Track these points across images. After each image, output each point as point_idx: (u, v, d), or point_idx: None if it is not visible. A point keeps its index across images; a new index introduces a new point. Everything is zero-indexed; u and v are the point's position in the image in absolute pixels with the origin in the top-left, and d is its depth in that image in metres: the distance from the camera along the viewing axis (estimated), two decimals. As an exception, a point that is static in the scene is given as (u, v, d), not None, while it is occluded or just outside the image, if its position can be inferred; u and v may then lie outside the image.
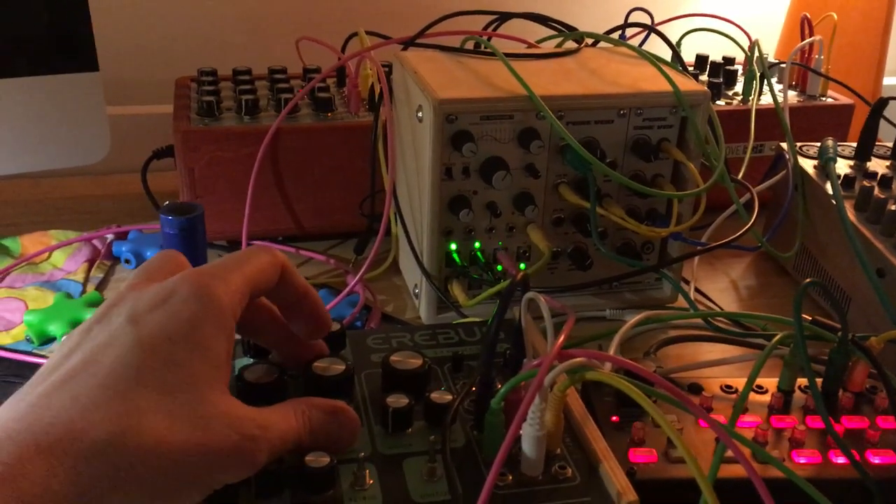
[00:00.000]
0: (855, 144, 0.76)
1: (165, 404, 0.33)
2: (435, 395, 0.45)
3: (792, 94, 0.89)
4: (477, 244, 0.65)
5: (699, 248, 0.66)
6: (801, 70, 0.90)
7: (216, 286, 0.37)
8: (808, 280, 0.48)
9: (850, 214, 0.66)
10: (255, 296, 0.40)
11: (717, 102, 0.85)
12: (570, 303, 0.66)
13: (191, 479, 0.34)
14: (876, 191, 0.67)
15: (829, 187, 0.69)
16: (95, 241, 0.76)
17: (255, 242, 0.77)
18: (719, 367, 0.57)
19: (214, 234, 0.75)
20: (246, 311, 0.39)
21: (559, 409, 0.42)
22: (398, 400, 0.44)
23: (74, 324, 0.63)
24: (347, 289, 0.66)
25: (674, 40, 0.82)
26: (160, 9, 0.98)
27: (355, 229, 0.77)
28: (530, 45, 0.77)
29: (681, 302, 0.70)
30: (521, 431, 0.41)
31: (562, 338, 0.42)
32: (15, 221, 0.82)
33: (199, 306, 0.36)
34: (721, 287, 0.75)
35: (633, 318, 0.56)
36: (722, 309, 0.71)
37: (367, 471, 0.41)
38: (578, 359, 0.41)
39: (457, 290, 0.65)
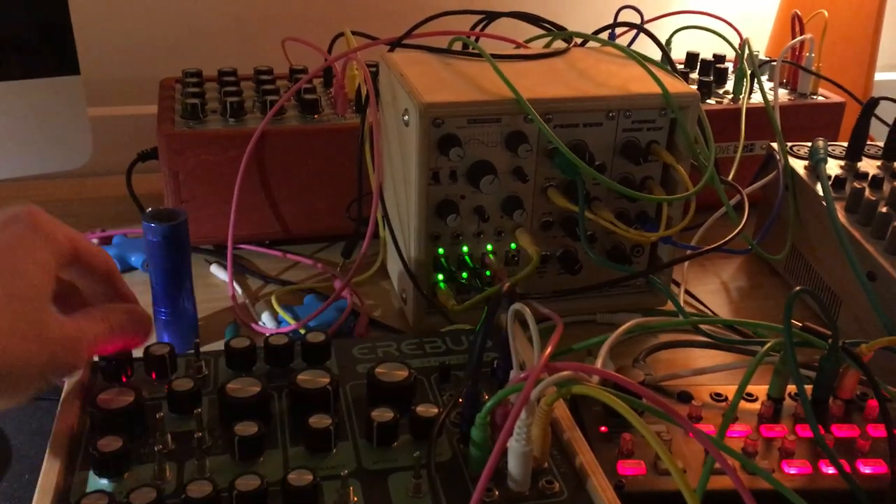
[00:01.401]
0: (846, 144, 0.75)
1: (10, 304, 0.38)
2: (420, 409, 0.44)
3: (782, 92, 0.89)
4: (465, 248, 0.64)
5: (689, 252, 0.65)
6: (792, 68, 0.90)
7: (50, 223, 0.43)
8: (798, 288, 0.47)
9: (841, 216, 0.66)
10: (80, 261, 0.45)
11: (708, 101, 0.84)
12: (558, 307, 0.65)
13: (31, 375, 0.39)
14: (867, 192, 0.67)
15: (819, 188, 0.69)
16: (79, 246, 0.74)
17: (241, 246, 0.76)
18: (709, 374, 0.56)
19: (200, 238, 0.74)
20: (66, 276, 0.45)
21: (546, 423, 0.42)
22: (383, 414, 0.44)
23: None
24: (333, 296, 0.65)
25: (664, 37, 0.81)
26: (143, 7, 0.97)
27: (342, 232, 0.76)
28: (518, 45, 0.76)
29: (672, 305, 0.69)
30: (507, 446, 0.40)
31: (549, 350, 0.41)
32: (-2, 226, 0.80)
33: (37, 231, 0.42)
34: (712, 289, 0.75)
35: (623, 327, 0.55)
36: (713, 312, 0.70)
37: (352, 487, 0.40)
38: (566, 372, 0.41)
39: (444, 295, 0.64)
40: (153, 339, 0.51)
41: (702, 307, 0.71)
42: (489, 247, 0.64)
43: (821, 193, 0.68)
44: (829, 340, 0.51)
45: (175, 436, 0.43)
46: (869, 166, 0.73)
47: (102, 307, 0.46)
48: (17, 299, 0.38)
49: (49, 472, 0.40)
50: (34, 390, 0.39)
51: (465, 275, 0.64)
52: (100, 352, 0.46)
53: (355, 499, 0.40)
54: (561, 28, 0.75)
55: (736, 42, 0.86)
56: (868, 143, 0.75)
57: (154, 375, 0.48)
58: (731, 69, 0.90)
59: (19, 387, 0.38)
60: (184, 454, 0.42)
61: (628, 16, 0.88)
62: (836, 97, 0.88)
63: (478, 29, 0.79)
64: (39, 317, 0.39)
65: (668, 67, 0.69)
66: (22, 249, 0.40)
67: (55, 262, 0.42)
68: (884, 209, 0.64)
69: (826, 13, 0.88)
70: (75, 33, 0.71)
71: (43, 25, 0.69)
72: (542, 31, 0.76)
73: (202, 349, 0.50)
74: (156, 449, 0.41)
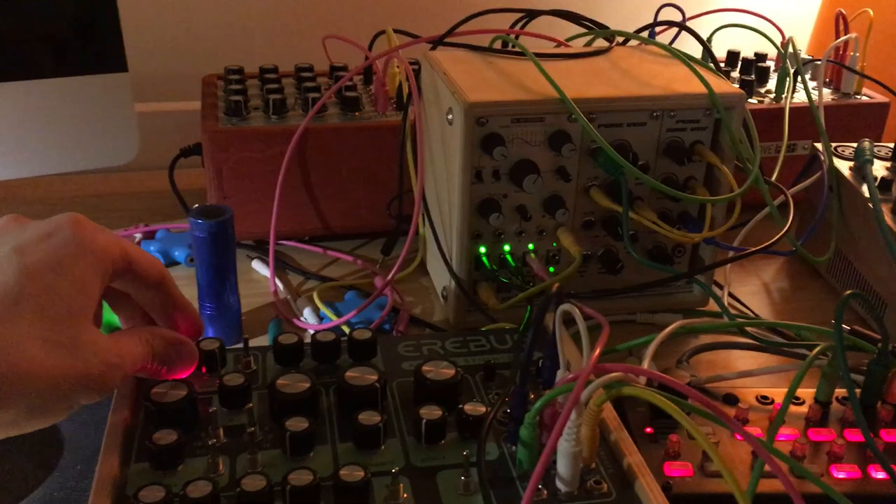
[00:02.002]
0: (892, 145, 0.74)
1: (44, 330, 0.36)
2: (468, 408, 0.45)
3: (825, 91, 0.87)
4: (506, 247, 0.64)
5: (732, 253, 0.65)
6: (835, 67, 0.89)
7: (97, 233, 0.40)
8: (848, 292, 0.47)
9: (888, 218, 0.65)
10: (131, 272, 0.43)
11: (750, 100, 0.83)
12: (598, 306, 0.65)
13: (61, 399, 0.37)
14: (914, 194, 0.66)
15: (865, 190, 0.68)
16: (124, 241, 0.76)
17: (282, 242, 0.77)
18: (754, 377, 0.56)
19: (242, 234, 0.75)
20: (119, 286, 0.44)
21: (595, 424, 0.42)
22: (431, 412, 0.44)
23: (105, 326, 0.63)
24: (376, 293, 0.66)
25: (704, 36, 0.80)
26: (186, 5, 0.98)
27: (382, 229, 0.77)
28: (560, 44, 0.76)
29: (712, 305, 0.69)
30: (556, 446, 0.41)
31: (597, 351, 0.41)
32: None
33: (80, 246, 0.39)
34: (753, 290, 0.74)
35: (668, 328, 0.55)
36: (755, 314, 0.70)
37: (401, 484, 0.41)
38: (615, 374, 0.41)
39: (485, 294, 0.64)
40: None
41: (743, 308, 0.71)
42: (531, 246, 0.65)
43: (867, 195, 0.67)
44: (879, 344, 0.51)
45: (226, 430, 0.44)
46: (916, 168, 0.72)
47: (150, 330, 0.44)
48: (48, 320, 0.36)
49: (106, 464, 0.41)
50: (63, 412, 0.38)
51: (505, 274, 0.64)
52: (139, 374, 0.44)
53: (405, 495, 0.40)
54: (602, 26, 0.74)
55: (778, 40, 0.85)
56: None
57: (204, 370, 0.48)
58: (772, 68, 0.89)
59: (46, 408, 0.37)
60: (235, 448, 0.43)
61: (668, 14, 0.88)
62: (880, 97, 0.87)
63: (518, 27, 0.79)
64: (73, 339, 0.37)
65: (712, 66, 0.69)
66: (62, 266, 0.38)
67: (99, 279, 0.39)
68: (932, 212, 0.63)
69: (871, 12, 0.87)
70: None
71: (92, 24, 0.70)
72: (582, 30, 0.76)
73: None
74: (209, 443, 0.42)
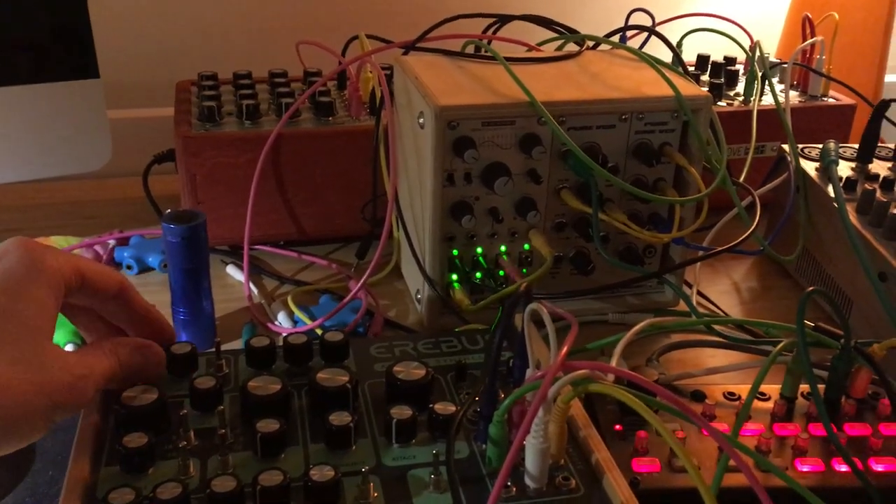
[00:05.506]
0: (857, 146, 0.75)
1: (6, 352, 0.37)
2: (439, 407, 0.45)
3: (793, 94, 0.89)
4: (479, 249, 0.65)
5: (701, 253, 0.66)
6: (802, 70, 0.90)
7: (46, 253, 0.41)
8: (811, 288, 0.48)
9: (853, 217, 0.66)
10: (86, 287, 0.43)
11: (719, 103, 0.85)
12: (571, 307, 0.66)
13: (33, 417, 0.37)
14: (878, 194, 0.67)
15: (830, 190, 0.69)
16: (97, 247, 0.75)
17: (256, 247, 0.77)
18: (721, 373, 0.57)
19: (216, 239, 0.75)
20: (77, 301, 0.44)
21: (563, 420, 0.42)
22: (402, 411, 0.44)
23: (74, 332, 0.63)
24: (349, 296, 0.66)
25: (674, 40, 0.82)
26: (159, 11, 0.98)
27: (357, 233, 0.77)
28: (531, 48, 0.77)
29: (683, 305, 0.69)
30: (524, 443, 0.41)
31: (565, 349, 0.41)
32: (16, 227, 0.82)
33: (31, 267, 0.39)
34: (723, 289, 0.75)
35: (636, 326, 0.55)
36: (725, 313, 0.71)
37: (372, 484, 0.41)
38: (582, 371, 0.41)
39: (459, 296, 0.65)
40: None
41: (713, 307, 0.72)
42: (503, 248, 0.65)
43: (832, 195, 0.69)
44: (842, 340, 0.52)
45: (197, 432, 0.44)
46: (880, 168, 0.73)
47: (112, 341, 0.45)
48: (10, 342, 0.37)
49: (76, 467, 0.41)
50: (39, 432, 0.38)
51: (478, 275, 0.65)
52: (110, 387, 0.44)
53: (375, 494, 0.41)
54: (573, 31, 0.75)
55: (746, 44, 0.86)
56: (879, 145, 0.76)
57: (176, 374, 0.49)
58: (741, 71, 0.91)
59: (22, 431, 0.37)
60: (206, 450, 0.43)
61: (639, 18, 0.89)
62: (846, 99, 0.88)
63: (490, 32, 0.79)
64: (37, 356, 0.37)
65: (680, 70, 0.70)
66: (14, 288, 0.38)
67: (54, 297, 0.40)
68: (895, 210, 0.64)
69: (836, 16, 0.88)
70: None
71: (64, 31, 0.70)
72: (553, 34, 0.77)
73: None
74: (180, 445, 0.42)
